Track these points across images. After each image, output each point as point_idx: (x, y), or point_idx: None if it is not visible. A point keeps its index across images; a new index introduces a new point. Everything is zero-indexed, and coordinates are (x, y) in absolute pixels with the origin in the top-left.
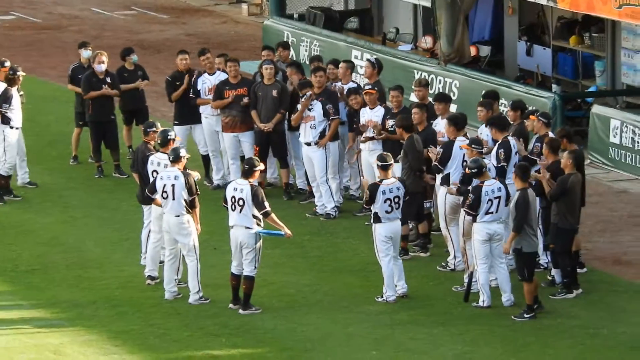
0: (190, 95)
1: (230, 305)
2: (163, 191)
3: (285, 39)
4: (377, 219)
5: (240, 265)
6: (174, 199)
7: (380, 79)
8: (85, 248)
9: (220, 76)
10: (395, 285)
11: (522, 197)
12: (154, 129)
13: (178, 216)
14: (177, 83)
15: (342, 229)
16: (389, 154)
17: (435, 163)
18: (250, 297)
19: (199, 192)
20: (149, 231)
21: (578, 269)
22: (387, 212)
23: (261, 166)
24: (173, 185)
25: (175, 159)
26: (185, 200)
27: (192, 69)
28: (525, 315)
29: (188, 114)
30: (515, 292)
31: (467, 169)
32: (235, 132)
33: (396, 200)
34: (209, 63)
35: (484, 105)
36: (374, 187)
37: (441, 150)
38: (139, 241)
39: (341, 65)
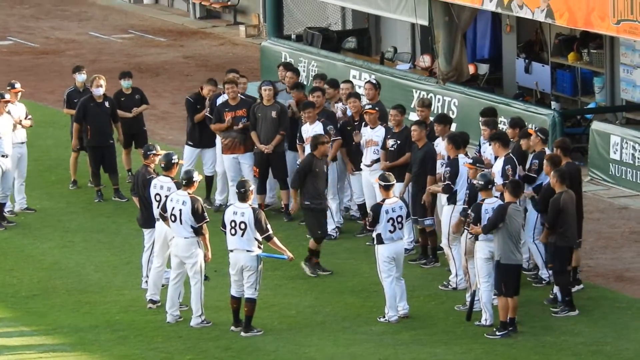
0: (207, 114)
1: (232, 328)
2: (171, 214)
3: (283, 60)
4: (380, 240)
5: (240, 288)
6: (181, 223)
7: (380, 98)
8: (86, 272)
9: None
10: (397, 306)
11: (505, 207)
12: (154, 152)
13: (187, 238)
14: (198, 106)
15: (342, 250)
16: (391, 173)
17: (448, 182)
18: (251, 319)
19: (207, 219)
20: (150, 255)
21: (575, 286)
22: (390, 231)
23: (253, 186)
24: (180, 210)
25: (188, 183)
26: (192, 226)
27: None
28: (498, 333)
29: (205, 137)
30: (518, 311)
31: (475, 182)
32: (235, 153)
33: (399, 219)
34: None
35: (488, 124)
36: (376, 208)
37: (448, 169)
38: (140, 265)
39: (342, 86)
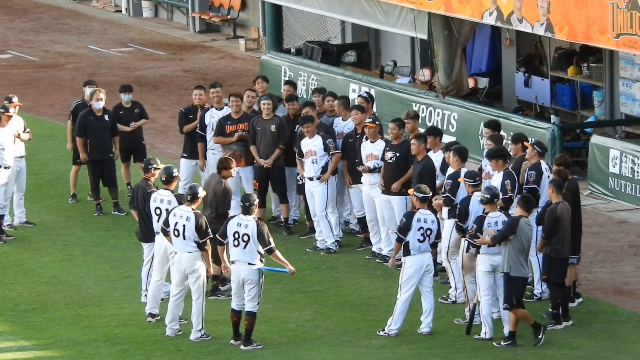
0: (198, 130)
1: (232, 342)
2: (174, 229)
3: (282, 74)
4: (407, 251)
5: (240, 301)
6: (184, 238)
7: (376, 112)
8: (85, 286)
9: (227, 111)
10: (421, 322)
11: (517, 220)
12: (154, 165)
13: (191, 252)
14: (190, 116)
15: (342, 264)
16: (426, 185)
17: (448, 194)
18: (251, 332)
19: (211, 235)
20: (149, 268)
21: (575, 300)
22: (419, 240)
23: (257, 200)
24: (184, 226)
25: (193, 198)
26: (195, 241)
27: (204, 106)
28: (502, 343)
29: (197, 148)
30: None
31: (480, 195)
32: (236, 166)
33: (428, 233)
34: (217, 97)
35: (494, 139)
36: (410, 214)
37: (449, 182)
38: (139, 278)
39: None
